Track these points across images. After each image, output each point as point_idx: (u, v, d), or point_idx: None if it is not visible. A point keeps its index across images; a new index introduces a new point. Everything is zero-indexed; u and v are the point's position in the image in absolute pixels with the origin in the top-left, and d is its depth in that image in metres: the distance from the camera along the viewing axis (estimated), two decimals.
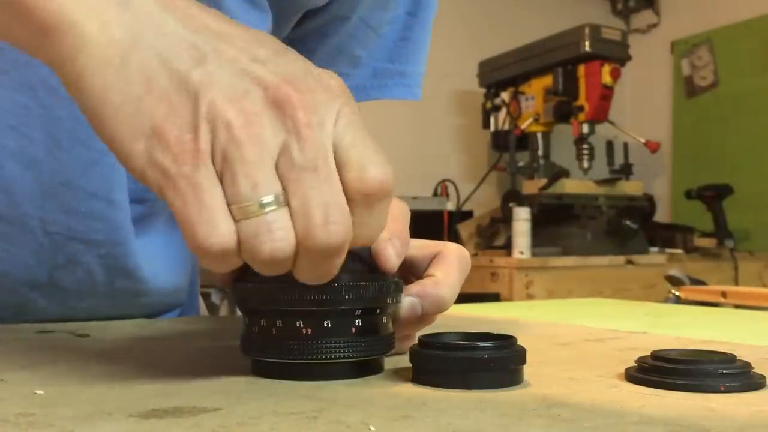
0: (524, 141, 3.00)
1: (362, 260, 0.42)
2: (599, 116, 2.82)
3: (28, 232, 0.63)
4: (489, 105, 3.15)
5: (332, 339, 0.40)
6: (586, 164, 2.89)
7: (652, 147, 2.98)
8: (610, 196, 2.81)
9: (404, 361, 0.44)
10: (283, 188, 0.35)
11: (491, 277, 2.60)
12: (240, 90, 0.35)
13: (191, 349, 0.54)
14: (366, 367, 0.42)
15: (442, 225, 2.89)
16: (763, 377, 0.39)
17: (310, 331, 0.40)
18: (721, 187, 3.06)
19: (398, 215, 0.44)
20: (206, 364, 0.46)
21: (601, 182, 2.82)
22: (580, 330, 0.65)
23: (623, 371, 0.42)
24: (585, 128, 2.86)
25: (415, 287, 0.45)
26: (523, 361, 0.40)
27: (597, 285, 2.55)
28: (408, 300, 0.44)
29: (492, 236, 2.92)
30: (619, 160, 2.99)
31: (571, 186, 2.77)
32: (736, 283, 2.84)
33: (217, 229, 0.34)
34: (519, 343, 0.40)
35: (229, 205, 0.34)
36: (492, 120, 3.17)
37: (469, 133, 3.45)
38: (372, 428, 0.31)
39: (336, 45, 0.74)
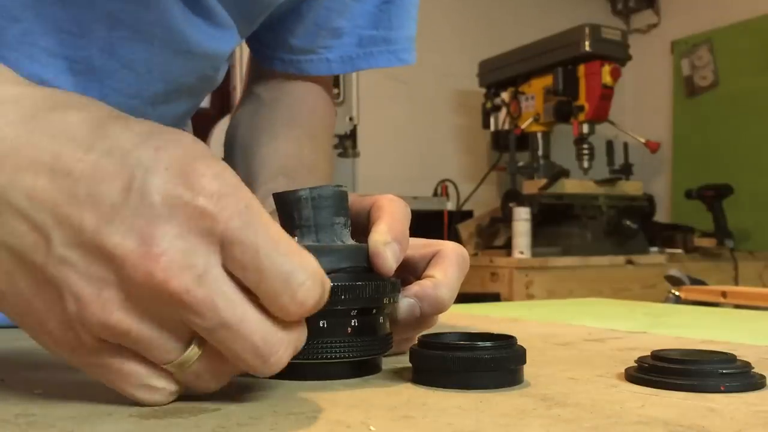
0: (524, 141, 3.00)
1: (360, 261, 0.42)
2: (599, 116, 2.82)
3: None
4: (489, 105, 3.15)
5: (329, 339, 0.40)
6: (586, 164, 2.89)
7: (652, 147, 2.98)
8: (610, 196, 2.81)
9: (404, 361, 0.44)
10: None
11: (491, 277, 2.60)
12: (97, 279, 0.31)
13: None
14: (363, 368, 0.42)
15: (442, 225, 2.89)
16: (763, 377, 0.39)
17: (313, 330, 0.40)
18: (721, 187, 3.06)
19: (399, 217, 0.44)
20: None
21: (601, 182, 2.82)
22: (580, 330, 0.65)
23: (623, 371, 0.42)
24: (585, 128, 2.86)
25: (413, 288, 0.45)
26: (523, 361, 0.40)
27: (597, 285, 2.55)
28: (406, 302, 0.44)
29: (492, 236, 2.92)
30: (619, 160, 2.99)
31: (571, 186, 2.77)
32: (736, 283, 2.84)
33: (150, 390, 0.33)
34: (519, 343, 0.40)
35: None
36: (492, 120, 3.17)
37: (469, 133, 3.45)
38: (372, 428, 0.31)
39: (314, 21, 0.72)
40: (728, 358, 0.40)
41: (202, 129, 2.96)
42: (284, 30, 0.74)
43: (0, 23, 0.54)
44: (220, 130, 2.72)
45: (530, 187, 2.79)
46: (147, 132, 0.32)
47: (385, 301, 0.42)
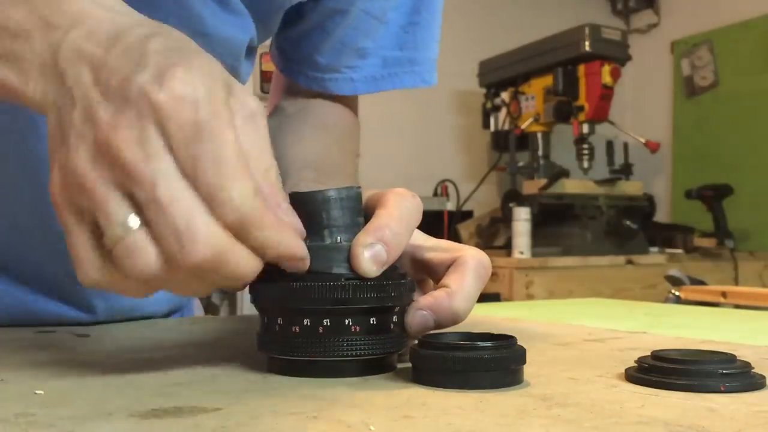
0: (524, 141, 3.00)
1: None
2: (599, 116, 2.82)
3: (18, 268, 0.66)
4: (489, 105, 3.15)
5: (344, 337, 0.40)
6: (586, 164, 2.89)
7: (652, 147, 2.98)
8: (610, 196, 2.81)
9: (404, 360, 0.44)
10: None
11: (491, 277, 2.59)
12: (82, 139, 0.36)
13: (191, 348, 0.54)
14: (377, 366, 0.42)
15: (442, 225, 2.89)
16: (763, 377, 0.39)
17: (326, 329, 0.40)
18: (721, 187, 3.06)
19: (398, 213, 0.43)
20: (206, 364, 0.46)
21: (601, 182, 2.82)
22: (580, 330, 0.65)
23: (623, 371, 0.42)
24: (585, 128, 2.86)
25: (427, 299, 0.44)
26: (523, 361, 0.40)
27: (597, 285, 2.55)
28: (419, 314, 0.43)
29: (492, 236, 2.92)
30: (619, 160, 2.99)
31: (571, 186, 2.77)
32: (736, 283, 2.84)
33: (85, 268, 0.37)
34: (519, 343, 0.40)
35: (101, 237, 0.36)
36: (492, 120, 3.17)
37: (469, 133, 3.45)
38: (372, 428, 0.31)
39: (339, 39, 0.72)
40: (728, 358, 0.40)
41: None
42: (311, 47, 0.74)
43: None
44: None
45: (530, 187, 2.79)
46: (176, 46, 0.38)
47: (403, 300, 0.43)
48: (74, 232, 0.37)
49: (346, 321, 0.40)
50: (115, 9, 0.41)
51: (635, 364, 0.41)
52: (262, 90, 2.51)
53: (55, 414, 0.33)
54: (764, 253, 3.05)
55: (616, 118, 2.95)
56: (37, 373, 0.43)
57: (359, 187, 0.44)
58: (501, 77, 3.10)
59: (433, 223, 2.82)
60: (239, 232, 0.36)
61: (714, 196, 3.04)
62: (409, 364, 0.41)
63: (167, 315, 0.76)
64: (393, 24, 0.73)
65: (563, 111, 2.85)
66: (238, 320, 0.79)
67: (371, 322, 0.41)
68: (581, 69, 2.82)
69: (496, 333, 0.42)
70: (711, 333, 0.64)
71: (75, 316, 0.66)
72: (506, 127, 3.09)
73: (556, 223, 2.75)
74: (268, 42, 0.76)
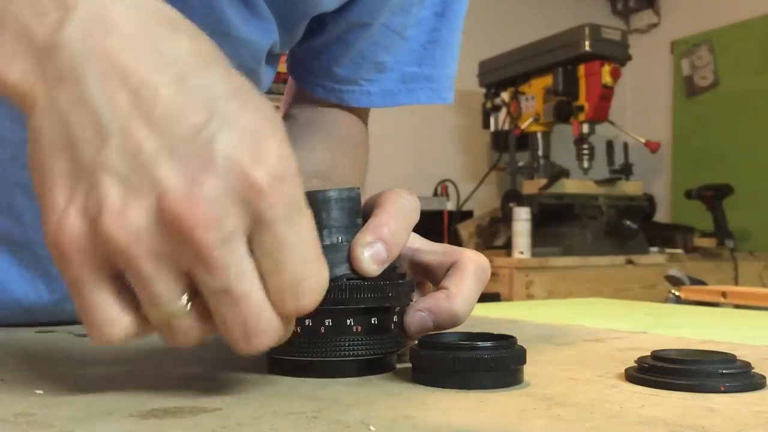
0: (524, 141, 3.00)
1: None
2: (599, 116, 2.82)
3: (37, 260, 0.64)
4: (489, 105, 3.15)
5: (345, 337, 0.40)
6: (586, 164, 2.89)
7: (652, 147, 2.98)
8: (610, 196, 2.80)
9: (404, 360, 0.44)
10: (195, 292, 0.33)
11: (491, 277, 2.59)
12: (132, 194, 0.31)
13: (192, 348, 0.54)
14: (377, 366, 0.43)
15: (442, 225, 2.89)
16: (763, 377, 0.39)
17: (327, 329, 0.40)
18: (721, 187, 3.06)
19: (396, 212, 0.43)
20: (206, 364, 0.46)
21: (601, 182, 2.82)
22: (580, 330, 0.65)
23: (623, 371, 0.42)
24: (585, 128, 2.86)
25: (427, 301, 0.44)
26: (523, 361, 0.40)
27: (597, 285, 2.55)
28: (418, 315, 0.43)
29: (492, 236, 2.92)
30: (619, 160, 2.99)
31: (571, 186, 2.77)
32: (736, 283, 2.84)
33: (105, 328, 0.33)
34: (519, 343, 0.40)
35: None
36: (492, 120, 3.17)
37: (469, 133, 3.45)
38: (372, 428, 0.31)
39: (359, 52, 0.72)
40: (728, 358, 0.40)
41: None
42: (330, 58, 0.74)
43: None
44: None
45: (530, 187, 2.79)
46: (240, 87, 0.33)
47: (403, 300, 0.43)
48: (94, 291, 0.32)
49: (348, 321, 0.41)
50: None
51: (635, 364, 0.41)
52: (271, 90, 2.51)
53: (55, 414, 0.33)
54: (764, 253, 3.05)
55: (616, 118, 2.95)
56: (37, 373, 0.43)
57: (359, 188, 0.44)
58: (501, 77, 3.10)
59: (433, 223, 2.82)
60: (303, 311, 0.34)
61: (714, 196, 3.04)
62: (409, 364, 0.41)
63: None
64: (413, 40, 0.73)
65: (563, 111, 2.85)
66: None
67: (372, 322, 0.41)
68: (581, 69, 2.82)
69: (496, 333, 0.42)
70: (711, 333, 0.64)
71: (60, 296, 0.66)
72: (506, 127, 3.08)
73: (556, 223, 2.75)
74: None
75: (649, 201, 3.00)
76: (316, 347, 0.40)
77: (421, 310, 0.43)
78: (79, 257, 0.32)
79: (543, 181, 2.75)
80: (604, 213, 2.77)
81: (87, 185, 0.31)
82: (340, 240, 0.42)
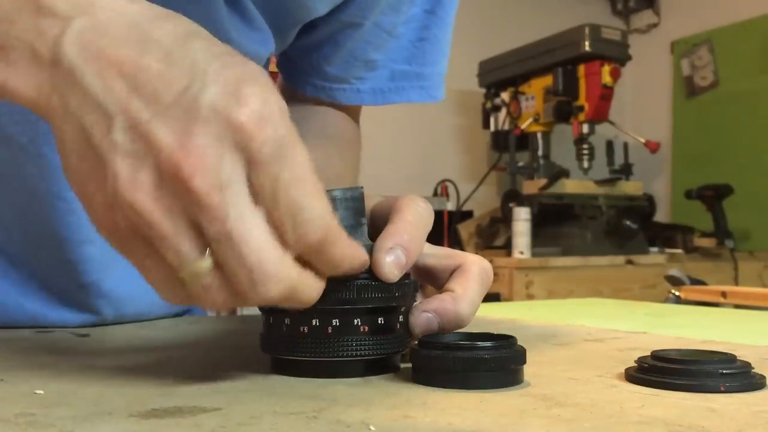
0: (524, 141, 3.00)
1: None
2: (599, 116, 2.82)
3: (25, 276, 0.65)
4: (489, 105, 3.15)
5: (350, 337, 0.40)
6: (586, 164, 2.89)
7: (652, 147, 2.98)
8: (610, 196, 2.80)
9: (404, 361, 0.44)
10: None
11: None
12: (136, 162, 0.33)
13: (191, 348, 0.54)
14: (382, 366, 0.43)
15: (442, 225, 2.89)
16: (763, 377, 0.39)
17: (334, 329, 0.40)
18: (721, 187, 3.06)
19: (413, 219, 0.43)
20: (206, 363, 0.46)
21: (601, 182, 2.82)
22: (580, 330, 0.65)
23: (623, 371, 0.42)
24: (585, 128, 2.86)
25: (433, 302, 0.44)
26: (523, 361, 0.40)
27: (597, 285, 2.55)
28: (424, 317, 0.43)
29: (492, 236, 2.92)
30: (619, 160, 2.99)
31: (571, 186, 2.77)
32: (736, 283, 2.84)
33: (167, 294, 0.36)
34: (519, 343, 0.40)
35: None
36: (492, 120, 3.17)
37: (469, 133, 3.45)
38: (372, 428, 0.31)
39: (350, 51, 0.73)
40: (728, 358, 0.40)
41: None
42: (320, 57, 0.74)
43: None
44: None
45: (530, 187, 2.79)
46: (222, 52, 0.36)
47: (408, 300, 0.43)
48: (146, 265, 0.35)
49: (355, 321, 0.41)
50: None
51: (635, 364, 0.41)
52: None
53: (55, 414, 0.33)
54: (764, 253, 3.05)
55: (616, 118, 2.95)
56: (37, 373, 0.43)
57: (362, 188, 0.44)
58: (501, 77, 3.10)
59: (433, 223, 2.82)
60: (316, 252, 0.35)
61: (714, 196, 3.04)
62: (409, 364, 0.41)
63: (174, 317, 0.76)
64: (403, 38, 0.74)
65: (563, 111, 2.85)
66: (237, 320, 0.79)
67: (379, 322, 0.41)
68: (581, 69, 2.82)
69: (496, 333, 0.42)
70: (711, 333, 0.64)
71: (81, 321, 0.66)
72: (506, 127, 3.09)
73: (556, 223, 2.75)
74: None
75: (649, 201, 3.00)
76: (323, 347, 0.40)
77: (427, 312, 0.43)
78: (115, 240, 0.35)
79: (543, 181, 2.76)
80: (604, 213, 2.77)
81: (105, 170, 0.34)
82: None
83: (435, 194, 3.17)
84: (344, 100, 0.76)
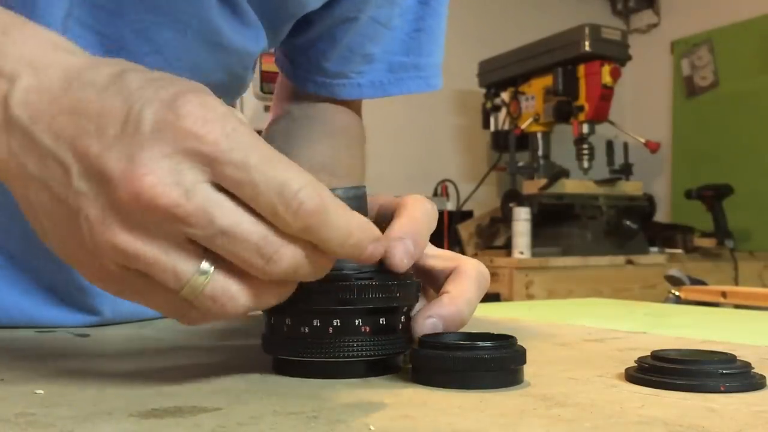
0: (524, 141, 3.00)
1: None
2: (599, 116, 2.82)
3: (25, 276, 0.66)
4: (489, 105, 3.15)
5: (355, 338, 0.40)
6: (586, 164, 2.89)
7: (652, 147, 2.98)
8: (610, 196, 2.81)
9: (405, 361, 0.44)
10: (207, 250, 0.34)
11: (491, 277, 2.58)
12: (102, 203, 0.33)
13: (191, 348, 0.54)
14: (384, 366, 0.42)
15: (442, 225, 2.89)
16: (763, 377, 0.39)
17: (335, 329, 0.40)
18: (721, 187, 3.06)
19: (418, 216, 0.44)
20: (207, 363, 0.46)
21: (601, 182, 2.82)
22: (580, 330, 0.65)
23: (623, 371, 0.42)
24: (585, 128, 2.86)
25: (434, 307, 0.44)
26: (523, 361, 0.40)
27: (597, 285, 2.55)
28: (430, 321, 0.44)
29: (492, 236, 2.92)
30: (619, 160, 2.99)
31: (571, 186, 2.77)
32: (736, 283, 2.84)
33: (178, 317, 0.36)
34: (519, 343, 0.40)
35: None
36: (492, 120, 3.17)
37: (469, 133, 3.45)
38: (372, 428, 0.31)
39: (347, 46, 0.73)
40: (728, 358, 0.40)
41: None
42: (318, 54, 0.74)
43: None
44: None
45: (530, 187, 2.79)
46: (157, 77, 0.36)
47: (408, 301, 0.43)
48: (148, 297, 0.36)
49: (356, 321, 0.40)
50: (67, 48, 0.37)
51: (635, 364, 0.41)
52: (262, 90, 2.51)
53: (55, 414, 0.33)
54: (764, 253, 3.05)
55: (616, 118, 2.95)
56: (37, 373, 0.43)
57: (365, 187, 0.45)
58: (501, 77, 3.10)
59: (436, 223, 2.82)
60: (319, 224, 0.34)
61: (714, 196, 3.04)
62: (409, 365, 0.41)
63: None
64: (399, 30, 0.74)
65: (563, 111, 2.85)
66: (237, 320, 0.79)
67: (380, 322, 0.41)
68: (581, 69, 2.82)
69: (496, 333, 0.42)
70: (711, 333, 0.64)
71: (80, 321, 0.66)
72: (506, 127, 3.09)
73: (556, 223, 2.75)
74: None
75: (649, 201, 3.00)
76: (324, 348, 0.40)
77: (432, 316, 0.44)
78: (114, 288, 0.35)
79: (543, 181, 2.76)
80: (604, 213, 2.77)
81: (75, 222, 0.34)
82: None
83: (435, 194, 3.17)
84: (345, 95, 0.76)
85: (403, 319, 0.43)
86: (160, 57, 0.59)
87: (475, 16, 3.45)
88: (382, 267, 0.42)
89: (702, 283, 1.86)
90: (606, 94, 2.78)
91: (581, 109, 2.83)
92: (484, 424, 0.31)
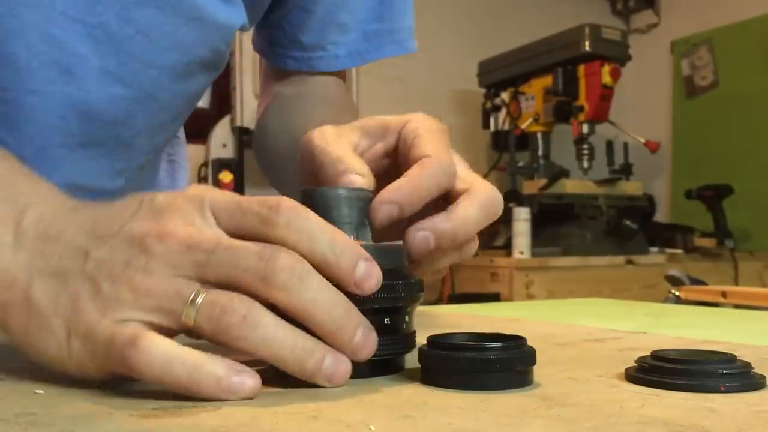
0: (524, 141, 3.00)
1: (396, 260, 0.42)
2: (599, 116, 2.82)
3: None
4: (489, 105, 3.15)
5: None
6: (586, 164, 2.89)
7: (652, 147, 2.98)
8: (610, 196, 2.80)
9: (409, 361, 0.44)
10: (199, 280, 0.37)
11: (491, 277, 2.60)
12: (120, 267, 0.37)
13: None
14: (388, 367, 0.42)
15: None
16: (763, 377, 0.39)
17: None
18: (721, 187, 3.06)
19: (435, 129, 0.46)
20: None
21: (601, 182, 2.82)
22: (580, 330, 0.65)
23: (623, 371, 0.42)
24: (585, 128, 2.86)
25: (426, 221, 0.45)
26: (532, 362, 0.39)
27: (597, 285, 2.55)
28: (421, 235, 0.44)
29: (492, 236, 2.92)
30: (619, 160, 2.99)
31: (571, 186, 2.77)
32: (736, 283, 2.84)
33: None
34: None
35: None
36: (492, 120, 3.17)
37: (469, 133, 3.45)
38: (372, 428, 0.31)
39: (320, 17, 0.75)
40: (728, 358, 0.40)
41: (202, 129, 2.96)
42: (293, 28, 0.76)
43: None
44: (220, 130, 2.72)
45: (530, 187, 2.79)
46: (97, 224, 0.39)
47: (411, 301, 0.43)
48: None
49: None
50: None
51: (635, 364, 0.41)
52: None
53: (55, 414, 0.33)
54: (764, 253, 3.05)
55: (616, 118, 2.95)
56: (37, 373, 0.43)
57: (370, 190, 0.45)
58: (501, 77, 3.10)
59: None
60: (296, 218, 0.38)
61: (714, 196, 3.04)
62: (409, 366, 0.41)
63: None
64: None
65: (563, 111, 2.85)
66: None
67: (385, 322, 0.41)
68: (581, 69, 2.82)
69: (506, 333, 0.42)
70: (711, 333, 0.64)
71: None
72: (506, 127, 3.08)
73: (556, 223, 2.75)
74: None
75: (649, 201, 3.00)
76: None
77: (423, 230, 0.44)
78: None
79: (543, 181, 2.75)
80: (604, 213, 2.77)
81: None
82: (352, 240, 0.42)
83: None
84: (324, 68, 0.77)
85: (406, 319, 0.43)
86: (144, 37, 0.59)
87: (475, 16, 3.45)
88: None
89: (702, 283, 1.86)
90: (606, 94, 2.78)
91: (581, 109, 2.82)
92: (484, 424, 0.31)
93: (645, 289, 2.61)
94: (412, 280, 0.42)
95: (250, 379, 0.36)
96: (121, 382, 0.39)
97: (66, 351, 0.37)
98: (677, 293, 1.42)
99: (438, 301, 2.56)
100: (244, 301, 0.36)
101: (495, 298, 2.47)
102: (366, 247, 0.42)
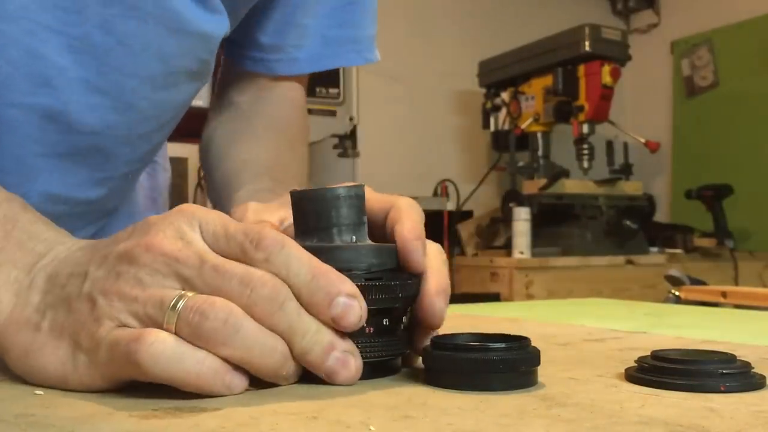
0: (524, 141, 3.00)
1: (393, 260, 0.42)
2: (599, 116, 2.82)
3: None
4: (489, 105, 3.15)
5: (361, 339, 0.40)
6: (586, 164, 2.89)
7: (652, 147, 2.98)
8: (610, 196, 2.80)
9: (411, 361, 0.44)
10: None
11: (491, 277, 2.60)
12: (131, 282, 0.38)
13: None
14: (385, 368, 0.42)
15: (442, 225, 2.89)
16: (763, 377, 0.39)
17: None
18: (721, 187, 3.06)
19: (418, 219, 0.45)
20: None
21: (601, 182, 2.82)
22: (580, 330, 0.65)
23: (623, 371, 0.42)
24: (585, 128, 2.86)
25: (425, 322, 0.44)
26: (536, 363, 0.39)
27: (597, 285, 2.55)
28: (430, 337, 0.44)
29: (492, 236, 2.92)
30: (619, 160, 2.99)
31: (571, 186, 2.77)
32: (736, 283, 2.84)
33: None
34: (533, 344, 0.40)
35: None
36: (492, 120, 3.17)
37: (469, 133, 3.45)
38: (372, 428, 0.31)
39: (281, 18, 0.74)
40: (728, 358, 0.40)
41: (200, 129, 2.96)
42: (253, 27, 0.75)
43: None
44: None
45: (530, 187, 2.79)
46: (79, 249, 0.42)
47: (409, 301, 0.43)
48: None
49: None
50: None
51: (635, 364, 0.41)
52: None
53: (55, 414, 0.33)
54: (764, 253, 3.05)
55: (616, 118, 2.95)
56: None
57: (363, 185, 0.45)
58: (501, 77, 3.10)
59: (433, 223, 2.80)
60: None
61: (714, 196, 3.04)
62: (409, 366, 0.41)
63: None
64: (331, 1, 0.75)
65: (563, 111, 2.85)
66: None
67: (384, 323, 0.41)
68: (581, 69, 2.82)
69: (510, 334, 0.41)
70: (711, 333, 0.64)
71: None
72: (506, 127, 3.08)
73: (556, 223, 2.75)
74: None
75: (649, 201, 3.00)
76: None
77: (429, 331, 0.44)
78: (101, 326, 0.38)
79: (543, 181, 2.76)
80: (604, 213, 2.77)
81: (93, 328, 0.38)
82: (353, 240, 0.42)
83: (435, 194, 3.16)
84: (282, 71, 0.77)
85: (404, 319, 0.43)
86: (127, 49, 0.59)
87: (475, 16, 3.45)
88: (389, 266, 0.42)
89: (702, 283, 1.86)
90: (606, 94, 2.78)
91: (581, 109, 2.82)
92: (484, 424, 0.31)
93: (645, 289, 2.62)
94: (410, 281, 0.42)
95: (242, 375, 0.37)
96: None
97: (71, 366, 0.38)
98: (677, 293, 1.42)
99: None
100: (224, 306, 0.36)
101: (495, 298, 2.47)
102: (365, 247, 0.42)
